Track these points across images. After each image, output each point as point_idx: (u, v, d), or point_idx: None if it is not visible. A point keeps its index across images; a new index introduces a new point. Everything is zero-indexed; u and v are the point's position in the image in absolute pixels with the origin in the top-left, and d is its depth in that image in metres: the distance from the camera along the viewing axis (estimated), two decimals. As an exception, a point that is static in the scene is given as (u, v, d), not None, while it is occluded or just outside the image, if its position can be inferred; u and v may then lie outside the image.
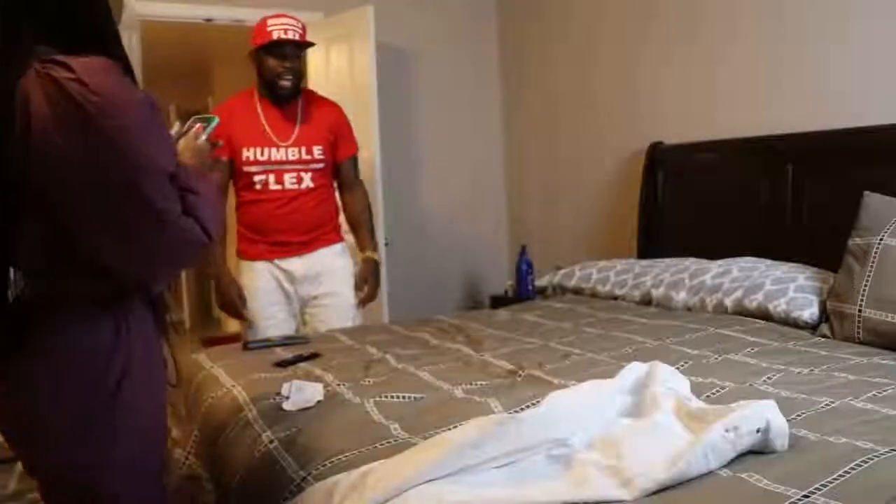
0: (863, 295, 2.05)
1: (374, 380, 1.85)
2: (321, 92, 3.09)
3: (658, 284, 2.72)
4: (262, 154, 2.70)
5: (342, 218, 2.94)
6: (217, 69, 6.39)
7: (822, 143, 2.63)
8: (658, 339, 2.14)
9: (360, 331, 2.53)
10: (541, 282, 3.30)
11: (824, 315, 2.19)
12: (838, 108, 2.64)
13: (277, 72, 2.66)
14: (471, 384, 1.76)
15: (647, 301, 2.74)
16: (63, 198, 1.15)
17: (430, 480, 1.17)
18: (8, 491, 2.93)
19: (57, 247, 1.18)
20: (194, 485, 1.77)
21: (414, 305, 3.83)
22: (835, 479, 1.14)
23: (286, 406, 1.65)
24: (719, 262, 2.65)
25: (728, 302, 2.43)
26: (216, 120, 1.44)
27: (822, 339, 2.09)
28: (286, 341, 2.36)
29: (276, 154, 2.70)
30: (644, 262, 2.97)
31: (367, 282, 2.89)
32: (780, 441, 1.27)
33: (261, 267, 2.77)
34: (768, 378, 1.71)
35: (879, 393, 1.56)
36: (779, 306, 2.27)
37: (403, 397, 1.68)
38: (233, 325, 6.28)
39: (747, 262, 2.58)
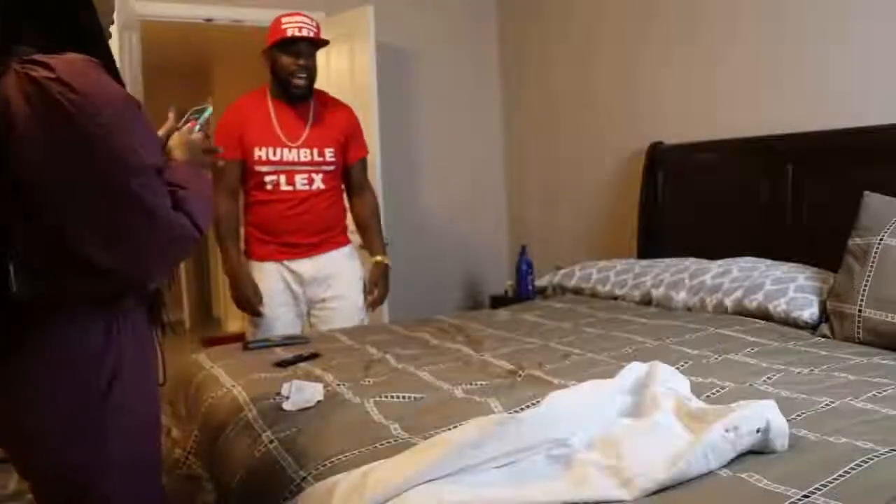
0: (863, 295, 2.05)
1: (374, 380, 1.85)
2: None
3: (658, 284, 2.72)
4: (273, 154, 2.69)
5: (348, 219, 2.94)
6: (217, 69, 6.39)
7: (822, 143, 2.63)
8: (658, 339, 2.14)
9: (360, 331, 2.53)
10: (541, 282, 3.30)
11: (824, 315, 2.19)
12: (838, 108, 2.64)
13: (291, 70, 2.65)
14: (471, 384, 1.76)
15: (647, 301, 2.74)
16: (50, 198, 1.15)
17: (430, 480, 1.17)
18: (8, 491, 2.93)
19: (52, 247, 1.18)
20: (194, 485, 1.77)
21: (414, 305, 3.83)
22: (835, 479, 1.14)
23: (286, 406, 1.65)
24: (719, 262, 2.65)
25: (728, 302, 2.43)
26: (209, 109, 1.44)
27: (822, 339, 2.09)
28: (286, 341, 2.36)
29: (289, 155, 2.70)
30: (644, 262, 2.97)
31: (378, 285, 2.89)
32: (780, 441, 1.27)
33: (270, 268, 2.77)
34: (768, 378, 1.71)
35: (879, 393, 1.55)
36: (779, 306, 2.27)
37: (403, 397, 1.68)
38: (233, 325, 6.29)
39: (747, 262, 2.58)
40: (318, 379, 1.87)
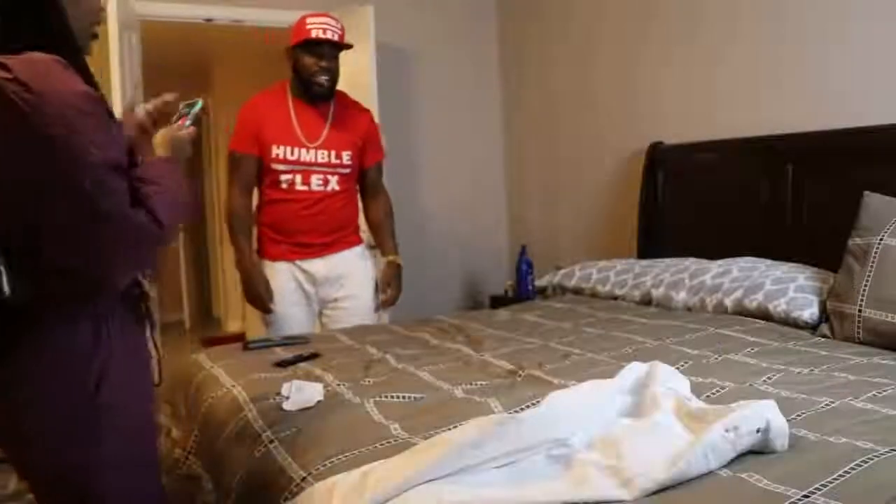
0: (863, 295, 2.05)
1: (374, 380, 1.85)
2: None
3: (658, 284, 2.72)
4: (291, 154, 2.68)
5: (360, 219, 2.93)
6: (217, 69, 6.39)
7: (822, 143, 2.63)
8: (658, 339, 2.14)
9: (360, 331, 2.53)
10: (541, 282, 3.30)
11: (824, 315, 2.19)
12: (838, 108, 2.64)
13: (313, 70, 2.64)
14: (471, 384, 1.76)
15: (647, 301, 2.74)
16: (8, 197, 1.15)
17: (430, 480, 1.17)
18: (8, 491, 2.93)
19: (26, 248, 1.17)
20: (194, 485, 1.77)
21: (414, 305, 3.83)
22: (835, 479, 1.14)
23: (286, 406, 1.65)
24: (719, 262, 2.65)
25: (728, 302, 2.43)
26: (199, 103, 1.43)
27: (822, 339, 2.09)
28: (286, 341, 2.36)
29: (306, 155, 2.69)
30: (644, 262, 2.97)
31: (391, 285, 2.88)
32: (780, 441, 1.27)
33: (282, 267, 2.76)
34: (768, 378, 1.70)
35: (879, 393, 1.55)
36: (779, 306, 2.27)
37: (403, 397, 1.68)
38: (233, 325, 6.30)
39: (747, 262, 2.58)
40: (318, 379, 1.87)
